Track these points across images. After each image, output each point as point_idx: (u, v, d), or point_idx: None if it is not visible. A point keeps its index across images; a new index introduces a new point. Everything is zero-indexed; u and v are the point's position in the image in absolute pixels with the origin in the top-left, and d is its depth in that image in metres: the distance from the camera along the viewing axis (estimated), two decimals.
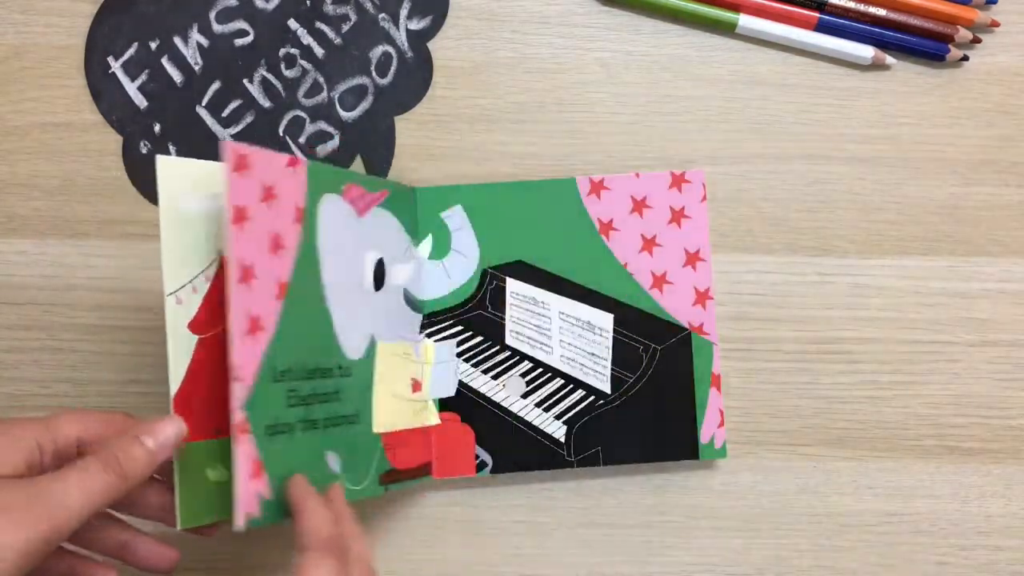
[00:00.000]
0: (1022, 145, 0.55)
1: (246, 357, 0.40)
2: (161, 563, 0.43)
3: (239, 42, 0.56)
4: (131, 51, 0.56)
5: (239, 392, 0.40)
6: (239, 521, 0.39)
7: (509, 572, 0.54)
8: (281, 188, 0.43)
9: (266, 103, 0.56)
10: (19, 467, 0.38)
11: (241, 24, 0.56)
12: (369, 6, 0.56)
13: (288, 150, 0.55)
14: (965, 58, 0.55)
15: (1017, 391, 0.54)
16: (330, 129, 0.56)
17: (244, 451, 0.40)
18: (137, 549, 0.43)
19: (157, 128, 0.56)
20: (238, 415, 0.40)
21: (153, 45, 0.56)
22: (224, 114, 0.56)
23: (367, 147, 0.56)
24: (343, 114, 0.56)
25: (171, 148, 0.55)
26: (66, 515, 0.35)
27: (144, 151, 0.56)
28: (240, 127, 0.56)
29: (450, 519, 0.54)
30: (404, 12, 0.56)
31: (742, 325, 0.54)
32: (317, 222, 0.45)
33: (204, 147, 0.55)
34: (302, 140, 0.55)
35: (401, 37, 0.56)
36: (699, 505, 0.54)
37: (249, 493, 0.40)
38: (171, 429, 0.40)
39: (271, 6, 0.56)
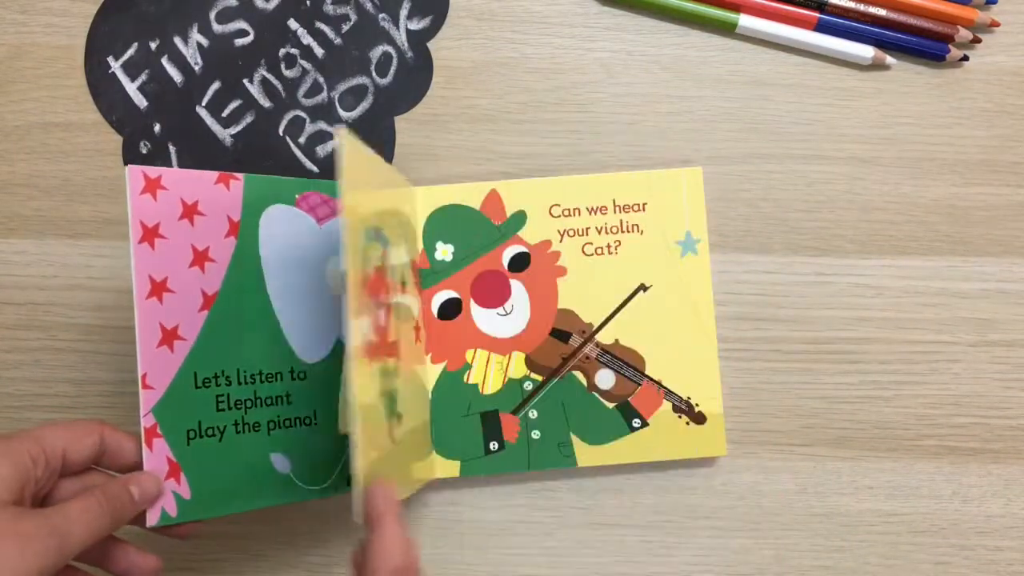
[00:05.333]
0: (1022, 145, 0.55)
1: (157, 366, 0.44)
2: (143, 572, 0.43)
3: (239, 42, 0.56)
4: (131, 51, 0.56)
5: (148, 398, 0.43)
6: (152, 519, 0.43)
7: (509, 572, 0.54)
8: (208, 204, 0.46)
9: (266, 103, 0.56)
10: (17, 483, 0.39)
11: (241, 24, 0.56)
12: (369, 6, 0.56)
13: (288, 150, 0.55)
14: (965, 58, 0.55)
15: (1017, 391, 0.54)
16: (330, 129, 0.56)
17: (156, 454, 0.43)
18: (118, 557, 0.43)
19: (157, 128, 0.56)
20: (148, 420, 0.43)
21: (153, 45, 0.56)
22: (224, 114, 0.56)
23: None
24: (343, 114, 0.56)
25: (171, 148, 0.55)
26: (70, 545, 0.38)
27: (144, 151, 0.56)
28: (240, 127, 0.56)
29: (450, 519, 0.54)
30: (404, 12, 0.56)
31: (742, 325, 0.54)
32: (259, 233, 0.47)
33: (204, 147, 0.55)
34: (302, 140, 0.55)
35: (401, 37, 0.56)
36: (699, 505, 0.54)
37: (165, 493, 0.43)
38: (153, 486, 0.43)
39: (271, 6, 0.56)
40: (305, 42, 0.56)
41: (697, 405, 0.53)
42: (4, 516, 0.37)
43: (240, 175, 0.47)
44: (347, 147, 0.39)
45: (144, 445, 0.43)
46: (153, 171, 0.44)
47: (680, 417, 0.53)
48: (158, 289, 0.44)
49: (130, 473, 0.43)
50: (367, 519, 0.39)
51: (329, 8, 0.56)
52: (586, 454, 0.53)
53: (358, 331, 0.40)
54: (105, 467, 0.44)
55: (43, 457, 0.40)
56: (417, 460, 0.50)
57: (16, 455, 0.39)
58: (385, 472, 0.42)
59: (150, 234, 0.44)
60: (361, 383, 0.39)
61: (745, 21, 0.55)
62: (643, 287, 0.53)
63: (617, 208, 0.53)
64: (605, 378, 0.53)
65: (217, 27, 0.56)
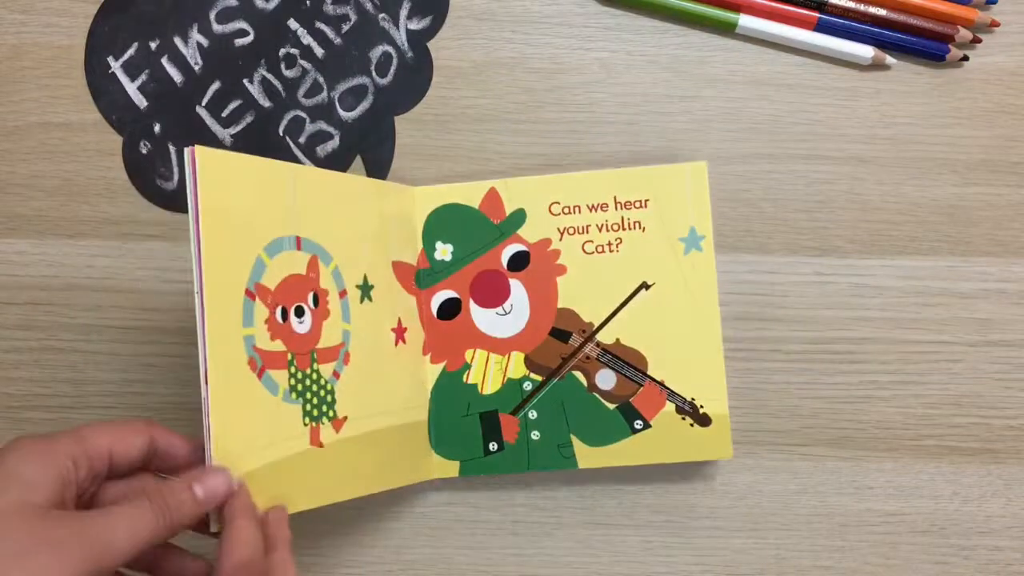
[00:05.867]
0: (1022, 145, 0.55)
1: None
2: None
3: (239, 42, 0.56)
4: (131, 51, 0.56)
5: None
6: (216, 526, 0.40)
7: (509, 572, 0.54)
8: None
9: (266, 103, 0.56)
10: (55, 485, 0.36)
11: (241, 24, 0.56)
12: (369, 6, 0.56)
13: (288, 150, 0.55)
14: (965, 58, 0.55)
15: (1017, 391, 0.54)
16: (330, 129, 0.56)
17: None
18: (168, 563, 0.41)
19: (157, 128, 0.56)
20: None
21: (153, 45, 0.56)
22: (224, 114, 0.56)
23: (367, 147, 0.56)
24: (343, 114, 0.56)
25: (171, 148, 0.55)
26: (112, 554, 0.35)
27: (144, 151, 0.56)
28: (240, 127, 0.56)
29: (450, 519, 0.54)
30: (404, 12, 0.56)
31: (742, 325, 0.54)
32: None
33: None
34: (302, 140, 0.55)
35: (401, 37, 0.56)
36: (699, 505, 0.54)
37: None
38: (221, 482, 0.39)
39: (271, 6, 0.56)
40: (305, 42, 0.56)
41: (701, 406, 0.52)
42: (37, 522, 0.34)
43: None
44: (201, 160, 0.40)
45: (209, 446, 0.40)
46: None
47: (684, 419, 0.52)
48: None
49: (192, 471, 0.39)
50: (220, 519, 0.39)
51: (329, 8, 0.56)
52: (587, 456, 0.53)
53: (220, 344, 0.40)
54: (155, 469, 0.42)
55: (85, 458, 0.38)
56: (389, 460, 0.50)
57: (53, 456, 0.37)
58: (297, 474, 0.43)
59: None
60: (219, 395, 0.39)
61: (745, 21, 0.55)
62: (645, 285, 0.53)
63: (618, 205, 0.53)
64: (606, 378, 0.53)
65: (217, 27, 0.56)
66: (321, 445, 0.45)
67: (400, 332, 0.51)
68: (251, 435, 0.41)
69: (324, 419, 0.46)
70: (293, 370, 0.44)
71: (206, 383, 0.40)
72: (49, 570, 0.33)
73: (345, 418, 0.47)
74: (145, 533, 0.36)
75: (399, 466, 0.51)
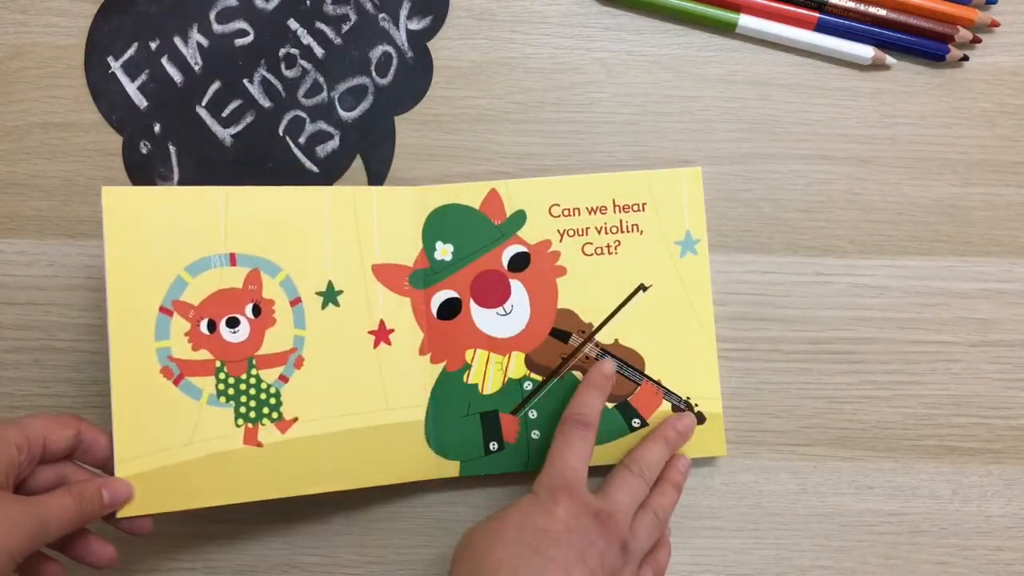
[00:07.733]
0: (1022, 145, 0.55)
1: None
2: (101, 559, 0.46)
3: (239, 42, 0.56)
4: (131, 51, 0.56)
5: None
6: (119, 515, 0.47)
7: None
8: None
9: (266, 103, 0.56)
10: (2, 468, 0.42)
11: (241, 24, 0.56)
12: (369, 6, 0.56)
13: (288, 150, 0.55)
14: (965, 58, 0.55)
15: (1017, 391, 0.54)
16: (330, 129, 0.56)
17: None
18: (78, 544, 0.46)
19: (157, 128, 0.56)
20: None
21: (153, 45, 0.56)
22: (224, 114, 0.56)
23: (367, 147, 0.56)
24: (343, 114, 0.56)
25: (171, 148, 0.55)
26: (44, 534, 0.42)
27: (144, 151, 0.56)
28: (240, 127, 0.56)
29: (450, 519, 0.54)
30: (404, 12, 0.56)
31: (742, 325, 0.54)
32: None
33: (204, 147, 0.55)
34: (302, 140, 0.55)
35: (401, 37, 0.56)
36: (699, 505, 0.54)
37: None
38: (123, 489, 0.46)
39: (271, 6, 0.56)
40: (305, 42, 0.56)
41: (696, 405, 0.53)
42: None
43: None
44: (107, 201, 0.46)
45: (113, 447, 0.47)
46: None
47: None
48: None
49: (105, 477, 0.46)
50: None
51: (329, 8, 0.56)
52: None
53: (126, 358, 0.47)
54: (79, 459, 0.47)
55: (26, 445, 0.43)
56: (368, 458, 0.51)
57: (3, 443, 0.42)
58: (228, 470, 0.48)
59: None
60: (122, 401, 0.46)
61: (745, 21, 0.55)
62: (643, 287, 0.53)
63: (617, 208, 0.53)
64: None
65: (217, 27, 0.56)
66: (260, 444, 0.49)
67: (382, 334, 0.51)
68: (162, 436, 0.47)
69: (265, 420, 0.49)
70: (223, 376, 0.48)
71: (111, 392, 0.46)
72: (2, 540, 0.40)
73: (295, 419, 0.49)
74: (68, 521, 0.43)
75: (385, 464, 0.51)
